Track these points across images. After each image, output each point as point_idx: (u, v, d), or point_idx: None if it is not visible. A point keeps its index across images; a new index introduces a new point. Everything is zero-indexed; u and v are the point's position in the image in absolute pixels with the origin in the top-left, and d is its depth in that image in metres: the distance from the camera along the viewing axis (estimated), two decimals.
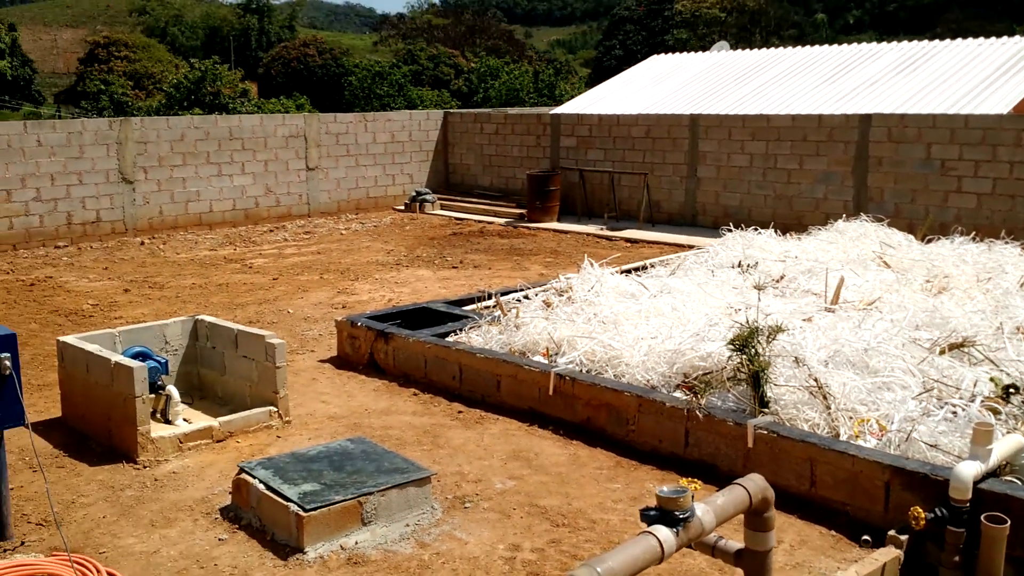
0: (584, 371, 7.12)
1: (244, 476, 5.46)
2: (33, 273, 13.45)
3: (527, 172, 18.45)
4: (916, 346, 6.79)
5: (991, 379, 6.16)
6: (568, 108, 21.12)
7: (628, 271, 10.28)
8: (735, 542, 3.82)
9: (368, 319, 8.82)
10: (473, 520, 5.37)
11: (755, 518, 3.80)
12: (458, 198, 20.22)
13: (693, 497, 3.48)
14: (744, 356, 6.13)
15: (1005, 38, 18.06)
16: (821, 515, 5.35)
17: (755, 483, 3.79)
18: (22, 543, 5.19)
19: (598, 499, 5.67)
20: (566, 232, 16.76)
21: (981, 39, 18.31)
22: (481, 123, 20.96)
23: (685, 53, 23.93)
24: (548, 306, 8.59)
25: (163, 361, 7.24)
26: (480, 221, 18.31)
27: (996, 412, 5.66)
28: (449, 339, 8.20)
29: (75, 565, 4.68)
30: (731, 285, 8.94)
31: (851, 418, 5.86)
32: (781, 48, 21.92)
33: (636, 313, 7.92)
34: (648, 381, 6.81)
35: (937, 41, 19.17)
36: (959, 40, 18.74)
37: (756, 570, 3.79)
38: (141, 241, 16.21)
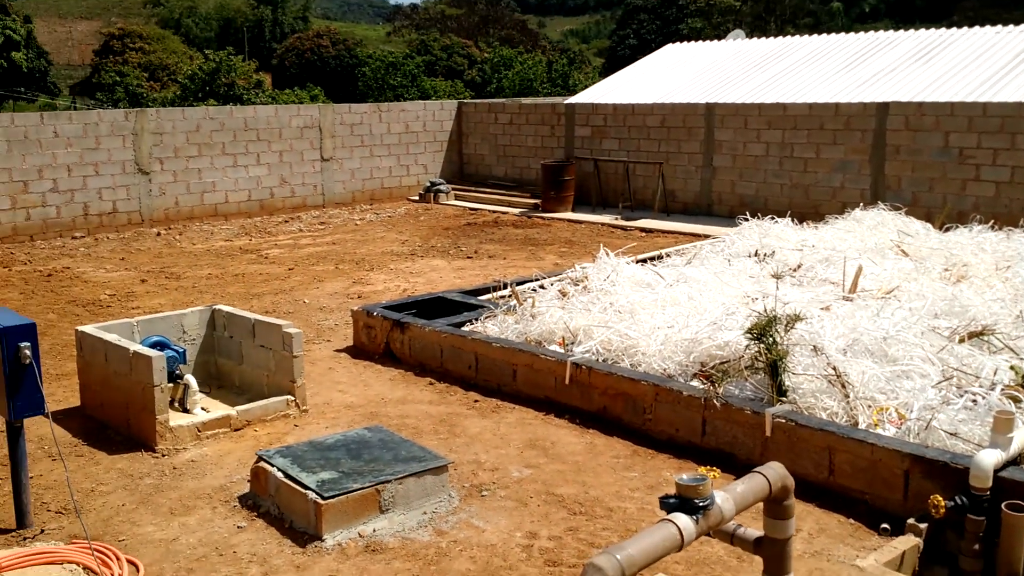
0: (600, 360, 7.11)
1: (262, 464, 5.48)
2: (50, 264, 13.52)
3: (541, 162, 18.41)
4: (935, 334, 6.75)
5: (1011, 367, 6.12)
6: (582, 98, 21.05)
7: (644, 260, 10.26)
8: (754, 530, 3.81)
9: (384, 309, 8.83)
10: (490, 508, 5.38)
11: (775, 506, 3.78)
12: (472, 188, 20.20)
13: (712, 485, 3.47)
14: (762, 345, 6.11)
15: (1023, 26, 17.89)
16: (839, 503, 5.33)
17: (775, 471, 3.77)
18: (42, 531, 5.23)
19: (615, 487, 5.66)
20: (581, 222, 16.73)
21: (999, 27, 18.14)
22: (495, 113, 20.93)
23: (700, 42, 23.80)
24: (564, 295, 8.57)
25: (181, 351, 7.27)
26: (494, 211, 18.30)
27: (1016, 400, 5.63)
28: (465, 329, 8.21)
29: (95, 553, 4.71)
30: (748, 274, 8.91)
31: (870, 407, 5.83)
32: (797, 36, 21.80)
33: (652, 302, 7.90)
34: (665, 370, 6.80)
35: (955, 29, 19.00)
36: (976, 28, 18.57)
37: (775, 557, 3.77)
38: (157, 232, 16.27)
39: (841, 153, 15.09)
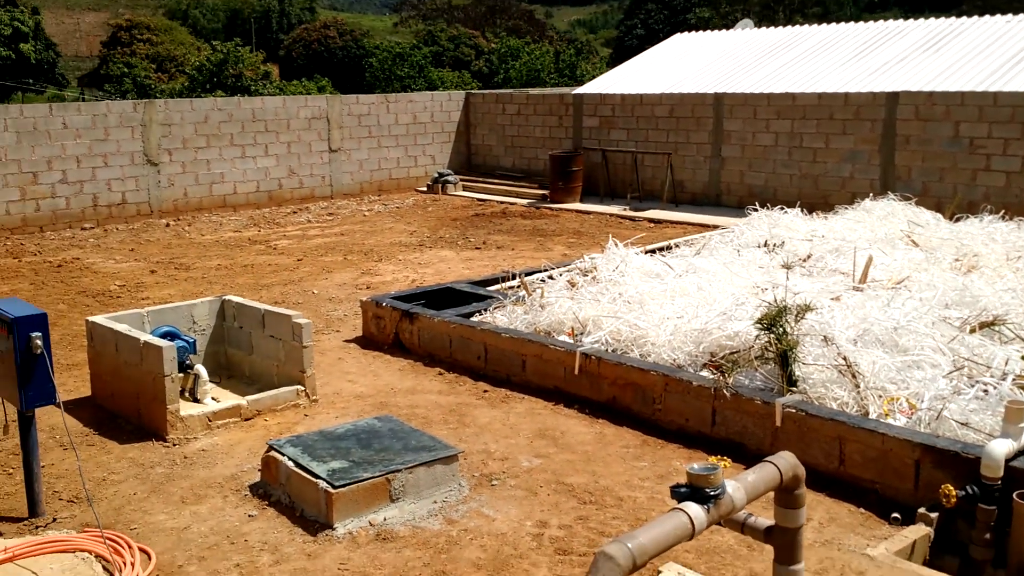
0: (610, 350, 7.11)
1: (273, 454, 5.49)
2: (60, 255, 13.56)
3: (549, 153, 18.39)
4: (946, 324, 6.73)
5: (1022, 357, 6.10)
6: (591, 88, 21.00)
7: (653, 251, 10.24)
8: (765, 519, 3.81)
9: (393, 299, 8.84)
10: (500, 497, 5.39)
11: (786, 495, 3.78)
12: (480, 179, 20.19)
13: (723, 474, 3.47)
14: (772, 335, 6.10)
15: None
16: (850, 493, 5.33)
17: (786, 461, 3.76)
18: (54, 519, 5.25)
19: (625, 477, 5.67)
20: (589, 213, 16.71)
21: (1009, 16, 18.01)
22: (503, 104, 20.90)
23: (708, 31, 23.71)
24: (573, 286, 8.57)
25: (191, 341, 7.29)
26: (503, 202, 18.28)
27: None
28: (474, 319, 8.21)
29: (107, 541, 4.73)
30: (757, 264, 8.89)
31: (880, 396, 5.82)
32: (806, 26, 21.69)
33: (661, 293, 7.89)
34: (674, 360, 6.79)
35: (964, 18, 18.88)
36: (986, 17, 18.44)
37: (786, 546, 3.77)
38: (166, 223, 16.31)
39: (851, 143, 15.04)
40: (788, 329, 6.10)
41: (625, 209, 16.70)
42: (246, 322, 7.61)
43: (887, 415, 5.66)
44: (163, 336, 6.94)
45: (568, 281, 8.75)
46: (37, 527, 5.16)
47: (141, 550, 4.79)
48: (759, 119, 16.18)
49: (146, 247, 14.15)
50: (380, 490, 5.15)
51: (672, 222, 15.38)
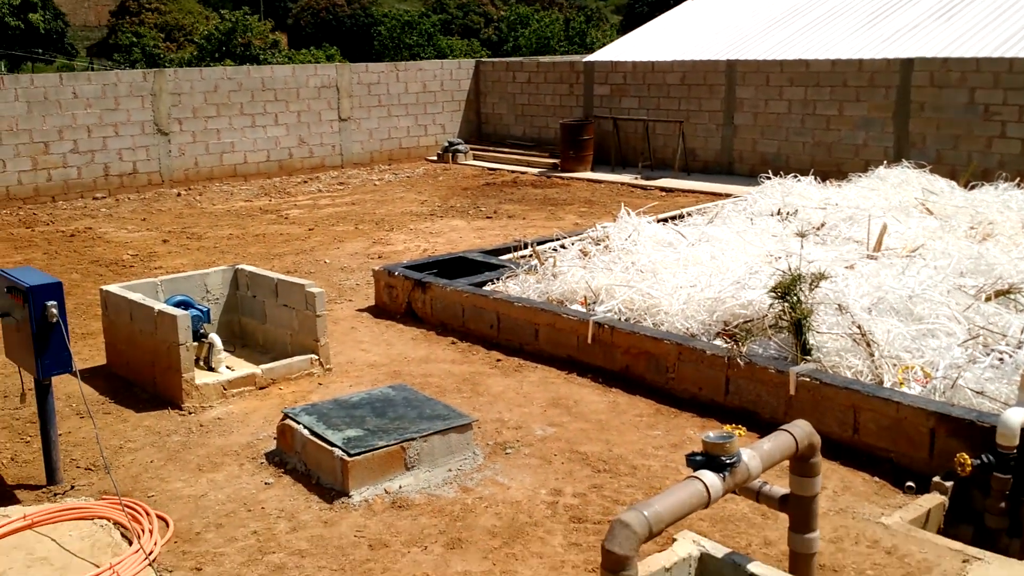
0: (623, 319, 7.10)
1: (288, 422, 5.52)
2: (72, 224, 13.59)
3: (560, 121, 18.27)
4: (961, 293, 6.70)
5: None
6: (601, 55, 20.83)
7: (665, 220, 10.20)
8: (780, 488, 3.82)
9: (405, 268, 8.84)
10: (515, 466, 5.41)
11: (801, 464, 3.78)
12: (491, 148, 20.10)
13: (738, 443, 3.47)
14: (786, 303, 6.08)
15: None
16: (864, 462, 5.33)
17: (801, 429, 3.76)
18: (72, 487, 5.30)
19: (638, 445, 5.68)
20: (600, 182, 16.64)
21: None
22: (513, 72, 20.76)
23: None
24: (585, 255, 8.55)
25: (205, 310, 7.31)
26: (513, 171, 18.22)
27: None
28: (486, 288, 8.21)
29: (125, 508, 4.77)
30: (770, 233, 8.85)
31: (895, 365, 5.81)
32: None
33: (674, 262, 7.87)
34: (687, 329, 6.79)
35: None
36: None
37: (802, 515, 3.78)
38: (178, 192, 16.31)
39: (864, 110, 14.90)
40: (802, 298, 6.08)
41: (636, 178, 16.62)
42: (259, 291, 7.62)
43: (902, 384, 5.65)
44: (177, 305, 6.97)
45: (580, 250, 8.73)
46: (55, 494, 5.21)
47: (159, 517, 4.83)
48: (772, 86, 16.04)
49: (158, 217, 14.17)
50: (395, 458, 5.17)
51: (684, 191, 15.30)
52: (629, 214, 9.33)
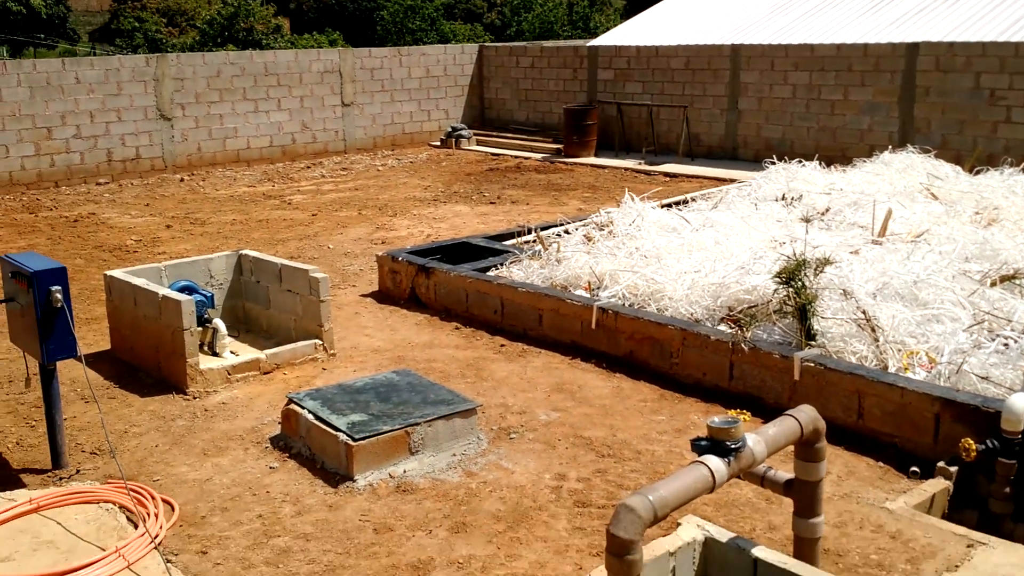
0: (627, 305, 7.09)
1: (293, 407, 5.53)
2: (76, 209, 13.59)
3: (564, 106, 18.22)
4: (966, 278, 6.69)
5: None
6: (605, 40, 20.74)
7: (669, 205, 10.18)
8: (784, 472, 3.81)
9: (409, 254, 8.83)
10: (519, 450, 5.42)
11: (806, 449, 3.78)
12: (494, 133, 20.05)
13: (743, 428, 3.47)
14: (791, 289, 6.07)
15: None
16: (868, 447, 5.33)
17: (806, 414, 3.76)
18: (77, 471, 5.31)
19: (642, 430, 5.68)
20: (604, 167, 16.60)
21: None
22: (517, 56, 20.68)
23: None
24: (589, 240, 8.54)
25: (209, 295, 7.31)
26: (516, 156, 18.18)
27: None
28: (490, 274, 8.20)
29: (131, 492, 4.79)
30: (775, 218, 8.82)
31: (900, 350, 5.80)
32: None
33: (679, 247, 7.85)
34: (692, 315, 6.78)
35: None
36: None
37: (806, 499, 3.78)
38: (181, 178, 16.29)
39: (869, 95, 14.84)
40: (807, 283, 6.07)
41: (640, 163, 16.58)
42: (263, 276, 7.62)
43: (906, 369, 5.64)
44: (181, 290, 6.96)
45: (584, 235, 8.72)
46: (61, 478, 5.22)
47: (164, 501, 4.85)
48: (776, 71, 15.97)
49: (161, 202, 14.16)
50: (400, 443, 5.18)
51: (688, 176, 15.26)
52: (633, 199, 9.31)
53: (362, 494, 4.92)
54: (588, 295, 7.42)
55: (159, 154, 16.57)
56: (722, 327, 6.46)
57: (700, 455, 3.41)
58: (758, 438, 3.53)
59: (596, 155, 17.54)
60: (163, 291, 6.61)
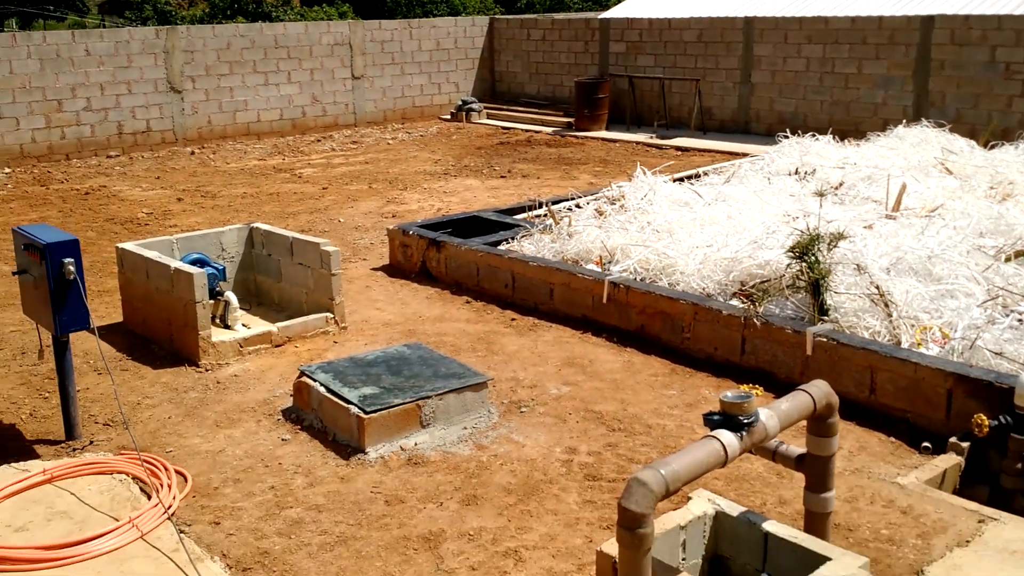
0: (638, 279, 7.08)
1: (305, 379, 5.54)
2: (87, 182, 13.60)
3: (575, 79, 18.11)
4: (980, 253, 6.64)
5: None
6: (617, 12, 20.57)
7: (681, 179, 10.13)
8: (796, 447, 3.81)
9: (420, 228, 8.81)
10: (529, 424, 5.42)
11: (818, 424, 3.77)
12: (505, 107, 19.96)
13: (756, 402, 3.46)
14: (804, 263, 6.04)
15: None
16: (880, 422, 5.32)
17: (819, 389, 3.75)
18: (91, 442, 5.35)
19: (653, 405, 5.68)
20: (615, 141, 16.51)
21: None
22: (528, 29, 20.55)
23: None
24: (600, 214, 8.50)
25: (221, 268, 7.32)
26: (527, 130, 18.10)
27: None
28: (501, 248, 8.18)
29: (144, 463, 4.82)
30: (788, 193, 8.77)
31: (913, 326, 5.78)
32: None
33: (691, 221, 7.82)
34: (704, 289, 6.76)
35: None
36: None
37: (818, 474, 3.78)
38: (191, 151, 16.28)
39: (884, 68, 14.70)
40: (820, 258, 6.04)
41: (652, 137, 16.49)
42: (275, 250, 7.62)
43: (920, 344, 5.62)
44: (193, 263, 6.97)
45: (596, 210, 8.69)
46: (74, 449, 5.25)
47: (177, 472, 4.87)
48: (790, 44, 15.83)
49: (172, 175, 14.16)
50: (411, 416, 5.19)
51: (700, 150, 15.17)
52: (645, 173, 9.27)
53: (373, 466, 4.94)
54: (599, 269, 7.41)
55: (169, 127, 16.55)
56: (734, 302, 6.44)
57: (712, 429, 3.41)
58: (771, 413, 3.53)
59: (607, 129, 17.45)
60: (175, 264, 6.62)
